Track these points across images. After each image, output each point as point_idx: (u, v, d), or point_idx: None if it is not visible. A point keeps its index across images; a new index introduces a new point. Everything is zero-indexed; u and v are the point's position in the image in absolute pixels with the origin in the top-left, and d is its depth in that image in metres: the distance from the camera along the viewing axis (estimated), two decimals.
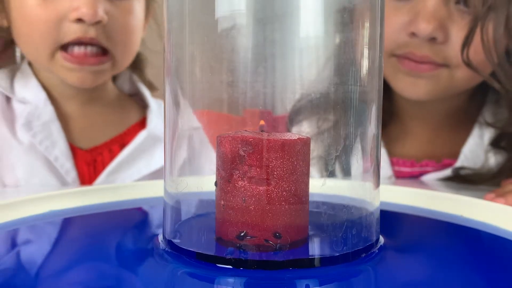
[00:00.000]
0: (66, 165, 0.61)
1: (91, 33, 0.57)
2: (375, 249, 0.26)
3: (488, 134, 0.64)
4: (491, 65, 0.55)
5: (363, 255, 0.25)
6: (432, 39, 0.55)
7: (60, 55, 0.58)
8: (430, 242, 0.29)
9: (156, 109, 0.69)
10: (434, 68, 0.57)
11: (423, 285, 0.23)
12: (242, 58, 0.25)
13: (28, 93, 0.62)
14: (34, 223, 0.32)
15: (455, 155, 0.64)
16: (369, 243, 0.26)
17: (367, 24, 0.25)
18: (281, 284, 0.22)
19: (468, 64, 0.55)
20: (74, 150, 0.64)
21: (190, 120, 0.26)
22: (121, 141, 0.66)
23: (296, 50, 0.24)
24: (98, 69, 0.59)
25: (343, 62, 0.25)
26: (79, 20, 0.56)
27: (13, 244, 0.28)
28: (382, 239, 0.27)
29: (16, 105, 0.61)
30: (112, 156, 0.64)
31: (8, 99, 0.62)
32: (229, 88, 0.25)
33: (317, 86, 0.25)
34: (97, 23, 0.57)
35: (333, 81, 0.24)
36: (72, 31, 0.57)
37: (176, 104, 0.26)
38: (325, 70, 0.25)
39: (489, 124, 0.63)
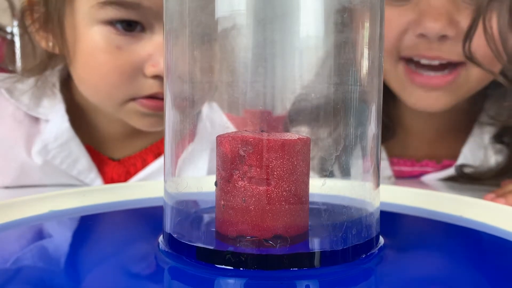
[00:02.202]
0: (91, 176, 0.59)
1: None
2: (375, 250, 0.26)
3: (488, 133, 0.63)
4: (498, 59, 0.53)
5: (363, 255, 0.25)
6: (443, 37, 0.53)
7: (132, 103, 0.53)
8: (430, 242, 0.29)
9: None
10: (447, 80, 0.55)
11: (423, 286, 0.23)
12: (242, 58, 0.25)
13: (52, 113, 0.58)
14: (34, 223, 0.32)
15: (456, 156, 0.64)
16: (369, 243, 0.26)
17: (367, 24, 0.25)
18: (281, 284, 0.22)
19: (470, 58, 0.52)
20: (105, 161, 0.61)
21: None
22: (157, 150, 0.63)
23: (296, 50, 0.24)
24: None
25: (343, 62, 0.25)
26: (158, 76, 0.51)
27: (13, 245, 0.28)
28: (382, 240, 0.27)
29: (43, 124, 0.58)
30: (146, 166, 0.62)
31: (35, 118, 0.58)
32: (229, 88, 0.25)
33: (317, 86, 0.25)
34: None
35: (333, 81, 0.24)
36: (148, 86, 0.52)
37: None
38: (325, 70, 0.24)
39: (492, 118, 0.60)
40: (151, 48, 0.51)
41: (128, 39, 0.51)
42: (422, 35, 0.54)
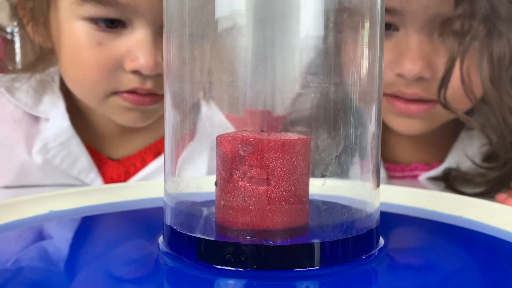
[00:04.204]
0: (91, 175, 0.59)
1: (148, 84, 0.52)
2: (375, 250, 0.26)
3: (476, 138, 0.62)
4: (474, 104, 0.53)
5: (363, 256, 0.25)
6: (420, 78, 0.54)
7: (114, 97, 0.54)
8: (430, 243, 0.29)
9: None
10: (424, 108, 0.56)
11: (423, 287, 0.23)
12: (242, 58, 0.25)
13: (52, 111, 0.58)
14: (34, 223, 0.32)
15: (444, 159, 0.63)
16: (369, 244, 0.26)
17: (367, 24, 0.25)
18: (281, 284, 0.22)
19: (445, 106, 0.53)
20: (104, 160, 0.61)
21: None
22: (156, 150, 0.63)
23: (296, 50, 0.24)
24: (151, 109, 0.56)
25: (343, 62, 0.25)
26: (137, 72, 0.52)
27: (13, 245, 0.28)
28: (382, 240, 0.27)
29: (43, 122, 0.58)
30: (145, 166, 0.62)
31: (36, 117, 0.58)
32: (229, 88, 0.25)
33: (317, 86, 0.25)
34: (156, 76, 0.52)
35: (333, 81, 0.24)
36: (128, 81, 0.52)
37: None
38: (325, 70, 0.24)
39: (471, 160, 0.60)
40: (130, 44, 0.51)
41: (109, 35, 0.51)
42: (400, 75, 0.54)
